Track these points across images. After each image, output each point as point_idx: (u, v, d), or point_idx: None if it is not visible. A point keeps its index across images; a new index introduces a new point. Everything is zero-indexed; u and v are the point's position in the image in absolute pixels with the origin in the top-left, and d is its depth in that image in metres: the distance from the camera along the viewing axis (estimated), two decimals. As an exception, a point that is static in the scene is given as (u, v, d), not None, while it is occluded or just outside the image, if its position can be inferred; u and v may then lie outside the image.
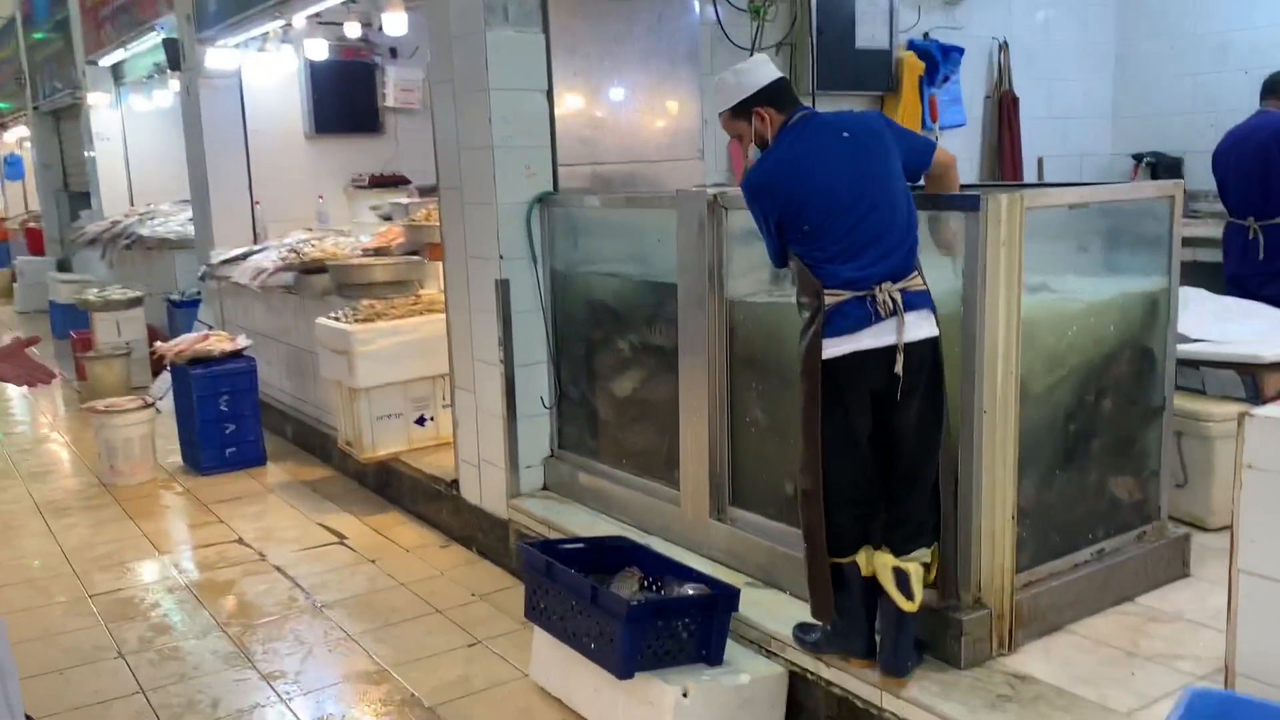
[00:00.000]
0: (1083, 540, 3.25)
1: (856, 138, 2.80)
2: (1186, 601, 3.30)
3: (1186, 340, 3.88)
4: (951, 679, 2.83)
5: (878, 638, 2.87)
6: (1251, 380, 3.88)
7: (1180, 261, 3.40)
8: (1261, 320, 4.31)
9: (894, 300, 2.66)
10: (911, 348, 2.68)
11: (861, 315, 2.67)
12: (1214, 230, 5.94)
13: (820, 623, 3.00)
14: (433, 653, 3.84)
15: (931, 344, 2.73)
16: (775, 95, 2.89)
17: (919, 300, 2.72)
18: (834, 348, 2.69)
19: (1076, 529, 3.24)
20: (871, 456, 2.81)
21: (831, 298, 2.69)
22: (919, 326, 2.70)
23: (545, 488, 4.61)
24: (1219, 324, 4.25)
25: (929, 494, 2.82)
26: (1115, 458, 3.34)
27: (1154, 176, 7.00)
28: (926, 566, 2.82)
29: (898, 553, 2.78)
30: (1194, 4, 7.09)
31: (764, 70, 2.90)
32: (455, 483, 4.95)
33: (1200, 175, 6.73)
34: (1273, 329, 4.20)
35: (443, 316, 4.97)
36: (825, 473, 2.77)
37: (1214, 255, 5.81)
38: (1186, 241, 3.49)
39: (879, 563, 2.79)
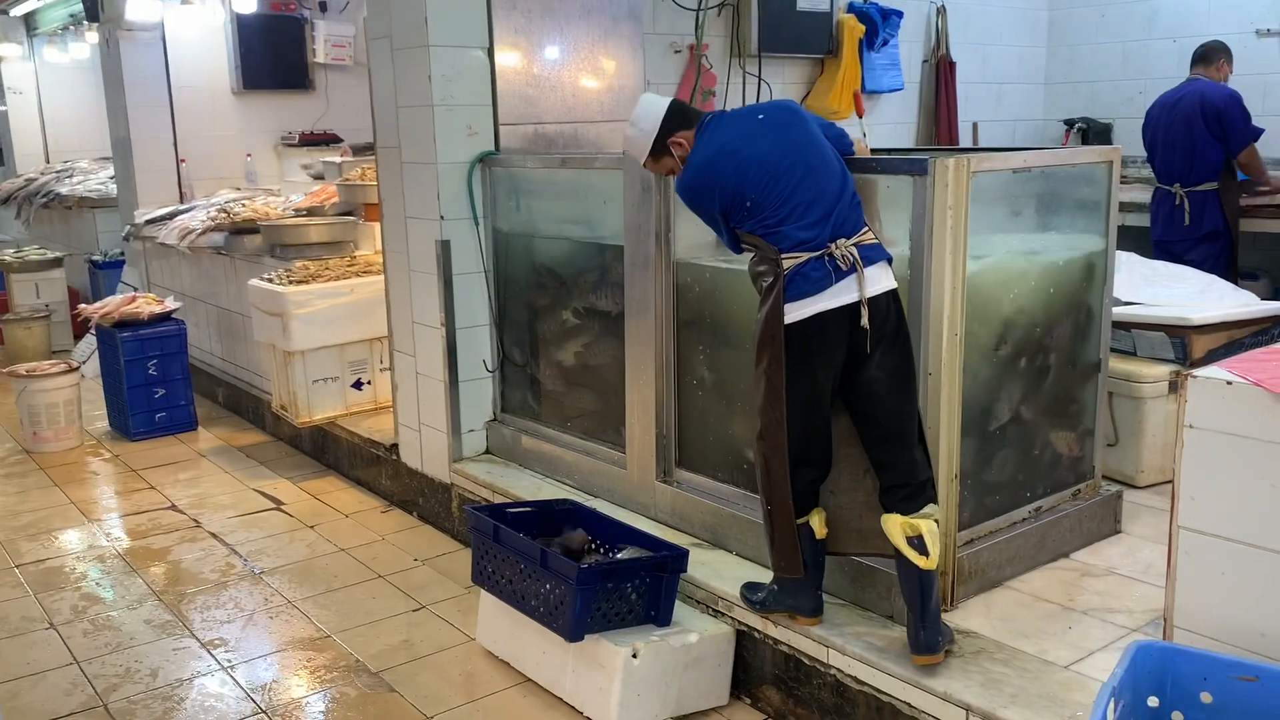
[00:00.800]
0: (1021, 499, 3.33)
1: (772, 116, 2.85)
2: (1119, 556, 3.40)
3: (1118, 303, 3.96)
4: (896, 634, 2.88)
5: (906, 619, 2.79)
6: (1181, 342, 3.99)
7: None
8: (1190, 284, 4.43)
9: (852, 255, 2.67)
10: (874, 300, 2.68)
11: (821, 275, 2.66)
12: (1143, 195, 6.08)
13: (768, 582, 3.03)
14: (376, 618, 3.81)
15: (892, 296, 2.73)
16: (678, 119, 2.92)
17: (875, 253, 2.72)
18: (796, 311, 2.68)
19: (1015, 488, 3.32)
20: (835, 419, 2.82)
21: (790, 260, 2.68)
22: (879, 279, 2.70)
23: (488, 452, 4.58)
24: (1149, 287, 4.36)
25: (919, 450, 2.80)
26: (1053, 418, 3.41)
27: (1084, 141, 7.13)
28: (938, 523, 2.76)
29: (906, 512, 2.74)
30: (1124, -28, 7.21)
31: (654, 106, 2.94)
32: (395, 447, 4.89)
33: (1129, 141, 6.87)
34: (1200, 292, 4.33)
35: (380, 278, 4.88)
36: (789, 435, 2.77)
37: (1143, 220, 5.95)
38: (1119, 206, 3.55)
39: (888, 526, 2.75)
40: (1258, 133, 5.36)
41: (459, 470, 4.45)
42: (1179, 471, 2.20)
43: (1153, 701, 2.05)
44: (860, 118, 3.40)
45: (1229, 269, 5.43)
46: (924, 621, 2.70)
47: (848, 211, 2.73)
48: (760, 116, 2.85)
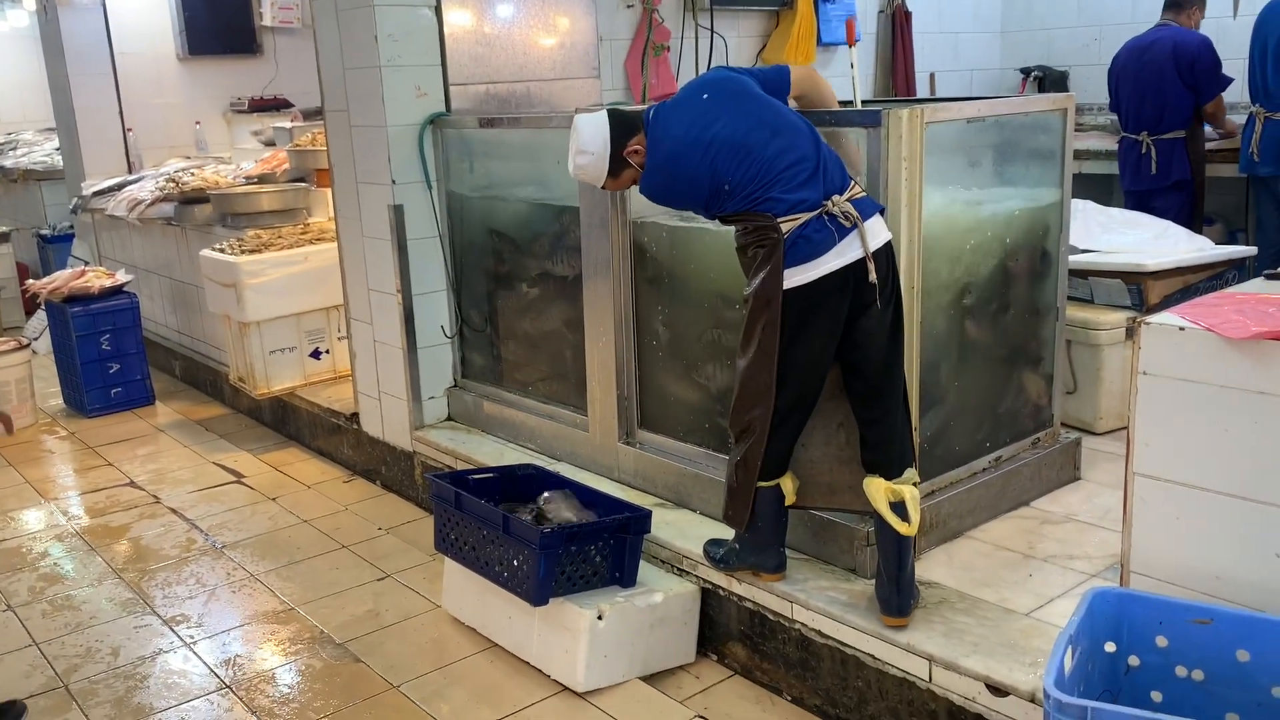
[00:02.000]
0: (981, 448, 3.34)
1: (716, 91, 2.75)
2: (1078, 503, 3.43)
3: (1075, 251, 3.97)
4: (859, 588, 2.90)
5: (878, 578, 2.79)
6: (1137, 289, 4.01)
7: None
8: (1145, 230, 4.44)
9: (850, 211, 2.59)
10: (877, 253, 2.62)
11: (824, 236, 2.58)
12: (1100, 143, 6.08)
13: (730, 540, 3.04)
14: (341, 588, 3.79)
15: (888, 248, 2.68)
16: (623, 127, 2.81)
17: (870, 206, 2.66)
18: (799, 275, 2.60)
19: (975, 438, 3.33)
20: (827, 383, 2.77)
21: (789, 223, 2.60)
22: (878, 232, 2.65)
23: (450, 418, 4.54)
24: (1105, 234, 4.38)
25: (902, 410, 2.77)
26: (1012, 368, 3.43)
27: (1041, 90, 7.12)
28: (917, 486, 2.75)
29: (889, 476, 2.72)
30: (1079, -83, 7.17)
31: (596, 124, 2.82)
32: (355, 416, 4.84)
33: (1085, 88, 6.89)
34: (1156, 238, 4.34)
35: (334, 245, 4.81)
36: (777, 399, 2.71)
37: (1100, 167, 5.95)
38: (1074, 154, 3.55)
39: (871, 490, 2.72)
40: (1227, 82, 5.35)
41: (421, 438, 4.41)
42: (1133, 418, 2.21)
43: (1110, 647, 2.07)
44: (851, 46, 3.33)
45: (1194, 217, 5.45)
46: (898, 586, 2.71)
47: (832, 167, 2.66)
48: (705, 96, 2.75)
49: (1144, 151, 5.46)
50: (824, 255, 2.59)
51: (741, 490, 2.86)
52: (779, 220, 2.61)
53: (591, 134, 2.82)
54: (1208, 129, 5.56)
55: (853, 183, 2.68)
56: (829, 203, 2.60)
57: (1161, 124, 5.41)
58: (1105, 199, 5.18)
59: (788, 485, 2.88)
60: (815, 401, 2.80)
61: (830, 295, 2.62)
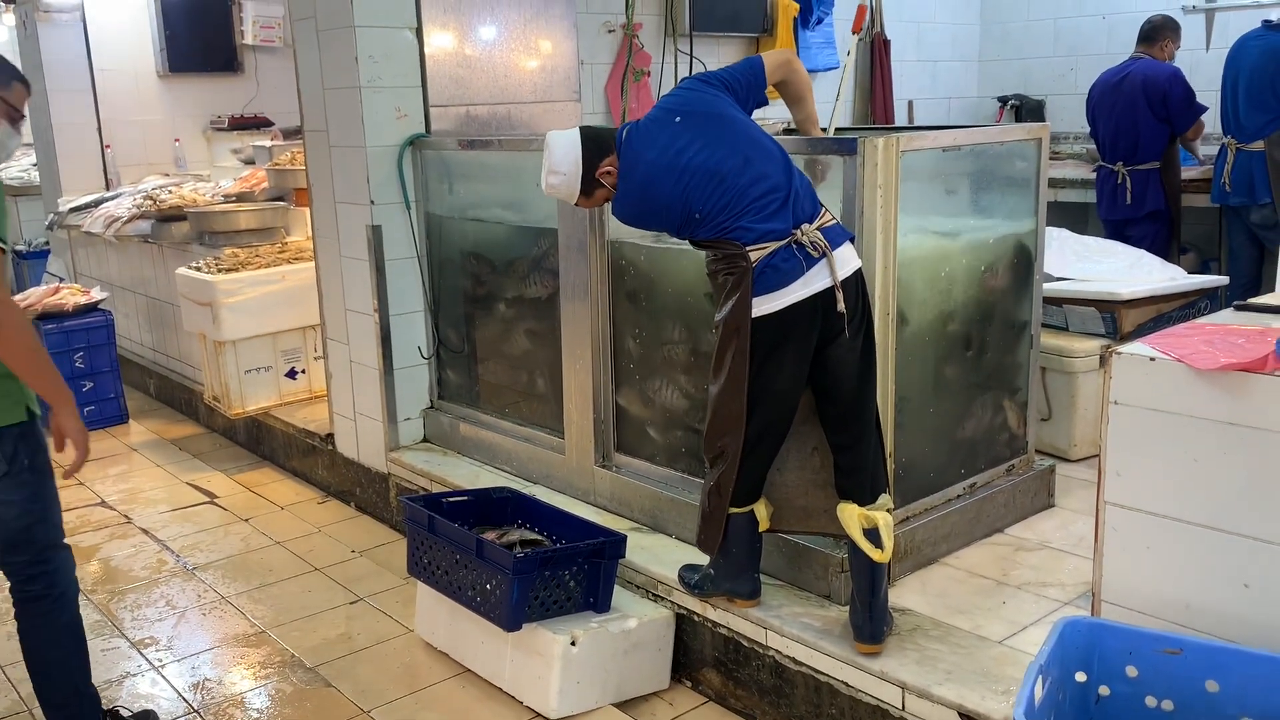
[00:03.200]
0: (955, 475, 3.35)
1: (689, 114, 2.72)
2: (1052, 530, 3.44)
3: (1050, 278, 4.01)
4: (833, 614, 2.89)
5: (852, 604, 2.79)
6: (1111, 317, 4.04)
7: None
8: (1120, 258, 4.49)
9: (820, 240, 2.59)
10: (846, 283, 2.62)
11: (792, 266, 2.58)
12: (1076, 171, 6.16)
13: (705, 565, 3.03)
14: (312, 612, 3.75)
15: (858, 275, 2.67)
16: (596, 147, 2.79)
17: (839, 234, 2.66)
18: (767, 304, 2.60)
19: (949, 465, 3.34)
20: (799, 407, 2.77)
21: (757, 252, 2.59)
22: (848, 260, 2.64)
23: (426, 440, 4.52)
24: (1080, 263, 4.42)
25: (875, 436, 2.76)
26: (986, 394, 3.44)
27: (1018, 118, 7.20)
28: (890, 512, 2.75)
29: (862, 502, 2.71)
30: (1055, -51, 7.27)
31: (568, 143, 2.80)
32: (331, 437, 4.81)
33: (1061, 117, 6.98)
34: (1130, 267, 4.39)
35: (311, 265, 4.78)
36: (748, 427, 2.70)
37: (1076, 195, 6.02)
38: (1050, 182, 3.58)
39: (845, 516, 2.71)
40: (1201, 110, 5.42)
41: (396, 459, 4.39)
42: (1105, 447, 2.22)
43: (1080, 676, 2.07)
44: (856, 34, 3.29)
45: (1169, 247, 5.51)
46: (871, 612, 2.70)
47: (802, 195, 2.66)
48: (678, 119, 2.71)
49: (1120, 181, 5.53)
50: (792, 284, 2.59)
51: (714, 515, 2.85)
52: (748, 249, 2.60)
53: (563, 154, 2.81)
54: (1185, 158, 5.63)
55: (823, 210, 2.69)
56: (798, 231, 2.60)
57: (1136, 155, 5.49)
58: (1081, 227, 5.23)
59: (761, 511, 2.87)
60: (787, 428, 2.80)
61: (798, 323, 2.62)
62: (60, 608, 2.78)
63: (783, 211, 2.61)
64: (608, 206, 3.50)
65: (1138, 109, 5.43)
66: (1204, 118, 5.45)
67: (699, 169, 2.65)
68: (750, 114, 2.80)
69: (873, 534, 2.69)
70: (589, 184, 2.83)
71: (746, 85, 2.81)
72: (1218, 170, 5.32)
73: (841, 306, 2.61)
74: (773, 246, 2.59)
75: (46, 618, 2.77)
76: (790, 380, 2.69)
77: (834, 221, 2.69)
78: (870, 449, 2.75)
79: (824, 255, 2.60)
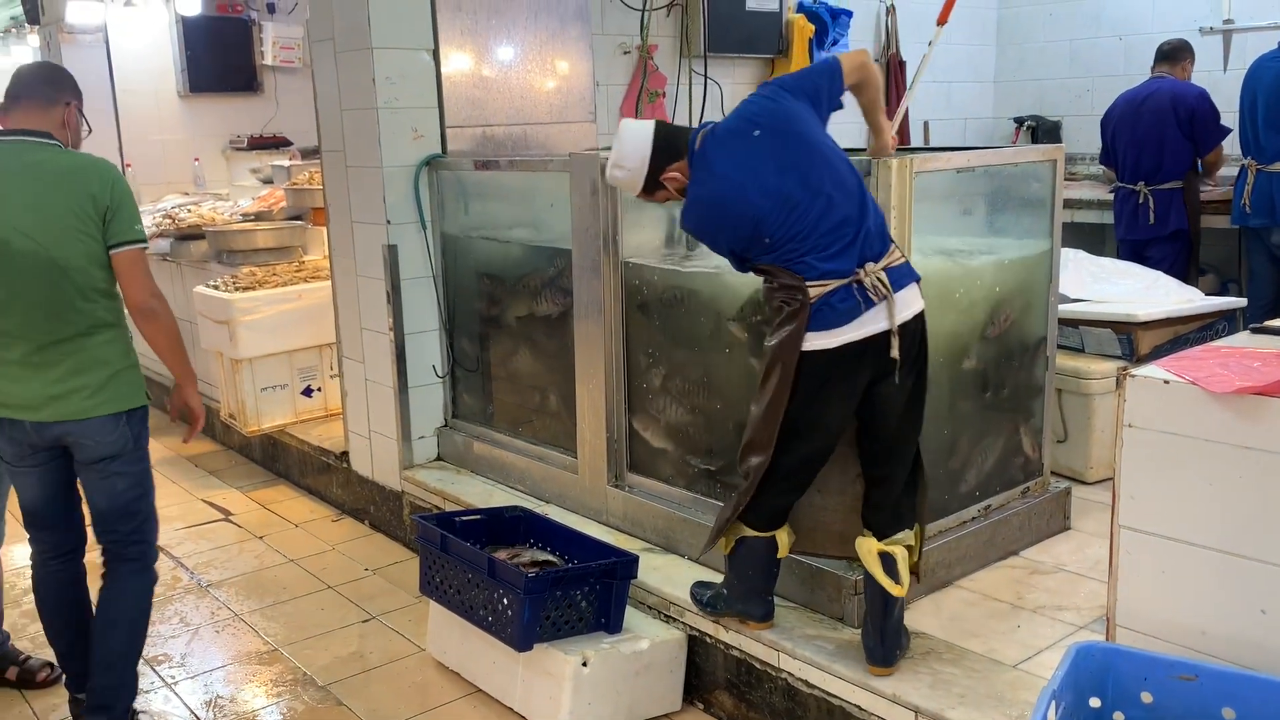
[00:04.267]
0: (970, 497, 3.33)
1: (769, 129, 2.60)
2: (1067, 553, 3.42)
3: (1066, 300, 3.99)
4: (846, 637, 2.87)
5: (863, 627, 2.78)
6: (1127, 339, 4.02)
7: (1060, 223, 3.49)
8: (1136, 280, 4.47)
9: (882, 283, 2.52)
10: (905, 326, 2.55)
11: (850, 306, 2.51)
12: (1091, 192, 6.13)
13: (718, 584, 3.00)
14: (325, 630, 3.75)
15: (919, 318, 2.62)
16: (666, 150, 2.70)
17: (905, 275, 2.59)
18: (819, 340, 2.54)
19: (964, 487, 3.32)
20: (835, 444, 2.72)
21: (816, 288, 2.52)
22: (909, 304, 2.59)
23: (439, 458, 4.53)
24: (1096, 284, 4.40)
25: (910, 473, 2.72)
26: (1002, 416, 3.43)
27: (1034, 139, 7.19)
28: (910, 549, 2.72)
29: (881, 536, 2.68)
30: (1070, -30, 7.27)
31: (638, 140, 2.71)
32: (345, 455, 4.83)
33: (1079, 138, 6.96)
34: (1146, 288, 4.37)
35: (328, 284, 4.81)
36: (777, 455, 2.65)
37: (1091, 216, 6.00)
38: (1065, 203, 3.57)
39: (863, 549, 2.68)
40: (1225, 132, 5.41)
41: (410, 478, 4.40)
42: (1119, 470, 2.20)
43: (1094, 702, 2.05)
44: (941, 25, 3.21)
45: (1188, 267, 5.48)
46: (884, 636, 2.69)
47: (873, 231, 2.57)
48: (756, 133, 2.60)
49: (1141, 201, 5.50)
50: (846, 325, 2.52)
51: (720, 521, 2.85)
52: (807, 284, 2.53)
53: (631, 149, 2.72)
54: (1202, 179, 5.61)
55: (892, 247, 2.60)
56: (861, 271, 2.52)
57: (1159, 174, 5.46)
58: (1097, 248, 5.21)
59: (783, 538, 2.82)
60: (824, 462, 2.75)
61: (848, 363, 2.56)
62: (147, 574, 3.10)
63: (849, 250, 2.53)
64: (623, 225, 3.53)
65: (1164, 127, 5.40)
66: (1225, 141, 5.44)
67: (773, 193, 2.55)
68: (827, 120, 2.71)
69: (890, 566, 2.66)
70: (652, 185, 2.74)
71: (828, 94, 2.69)
72: (1238, 191, 5.30)
73: (895, 353, 2.54)
74: (833, 285, 2.52)
75: (137, 578, 3.08)
76: (833, 418, 2.65)
77: (902, 260, 2.61)
78: (901, 485, 2.71)
79: (884, 299, 2.53)
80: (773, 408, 2.63)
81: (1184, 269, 5.37)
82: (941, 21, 3.29)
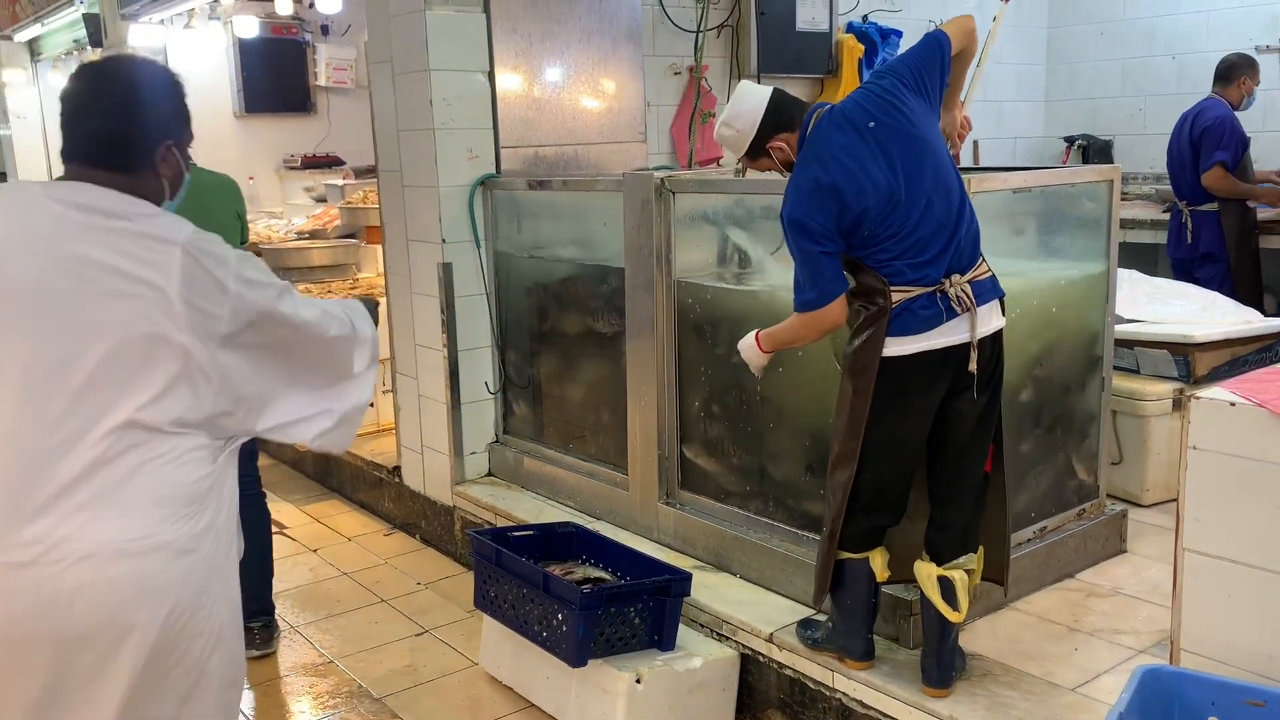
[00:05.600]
0: (1026, 519, 3.31)
1: (885, 122, 2.53)
2: (1124, 577, 3.38)
3: (1121, 320, 3.96)
4: (902, 658, 2.86)
5: (922, 650, 2.74)
6: (1184, 360, 3.98)
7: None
8: (1192, 300, 4.42)
9: (967, 295, 2.49)
10: (983, 342, 2.53)
11: (932, 314, 2.49)
12: (1145, 212, 6.10)
13: (824, 619, 2.95)
14: (379, 643, 3.80)
15: (998, 336, 2.59)
16: (776, 119, 2.64)
17: (989, 290, 2.57)
18: (898, 346, 2.51)
19: (1020, 508, 3.30)
20: (919, 459, 2.68)
21: (900, 294, 2.49)
22: (990, 319, 2.56)
23: (490, 474, 4.57)
24: (1152, 304, 4.36)
25: (975, 497, 2.68)
26: (1058, 437, 3.40)
27: (1085, 159, 7.13)
28: (970, 573, 2.67)
29: (941, 561, 2.64)
30: (1122, -11, 7.23)
31: (752, 103, 2.65)
32: (398, 469, 4.88)
33: (1130, 157, 6.89)
34: (1203, 309, 4.32)
35: (382, 301, 4.88)
36: (862, 470, 2.61)
37: (1145, 236, 5.97)
38: (1119, 223, 3.55)
39: (922, 573, 2.65)
40: (1219, 159, 5.35)
41: (461, 493, 4.44)
42: (1183, 493, 2.19)
43: (1160, 726, 2.03)
44: (1005, 1, 3.22)
45: (1235, 289, 5.40)
46: (940, 657, 2.67)
47: (965, 241, 2.55)
48: (871, 124, 2.53)
49: (1183, 221, 5.53)
50: (926, 332, 2.50)
51: (823, 558, 2.76)
52: (891, 288, 2.51)
53: (743, 110, 2.66)
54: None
55: (980, 260, 2.58)
56: (947, 281, 2.50)
57: (1196, 195, 5.47)
58: (1150, 269, 5.17)
59: (878, 561, 2.74)
60: (910, 477, 2.69)
61: (926, 372, 2.53)
62: (266, 504, 3.83)
63: (940, 258, 2.51)
64: (676, 243, 3.56)
65: (1186, 149, 5.46)
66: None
67: (880, 189, 2.49)
68: (940, 101, 2.66)
69: (949, 592, 2.62)
70: (757, 150, 2.69)
71: (940, 76, 2.64)
72: (1296, 211, 5.25)
73: (973, 366, 2.52)
74: (917, 292, 2.50)
75: (265, 511, 3.80)
76: (911, 430, 2.60)
77: (988, 275, 2.59)
78: (965, 511, 2.67)
79: (967, 310, 2.51)
80: (854, 417, 2.60)
81: (1228, 292, 5.30)
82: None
